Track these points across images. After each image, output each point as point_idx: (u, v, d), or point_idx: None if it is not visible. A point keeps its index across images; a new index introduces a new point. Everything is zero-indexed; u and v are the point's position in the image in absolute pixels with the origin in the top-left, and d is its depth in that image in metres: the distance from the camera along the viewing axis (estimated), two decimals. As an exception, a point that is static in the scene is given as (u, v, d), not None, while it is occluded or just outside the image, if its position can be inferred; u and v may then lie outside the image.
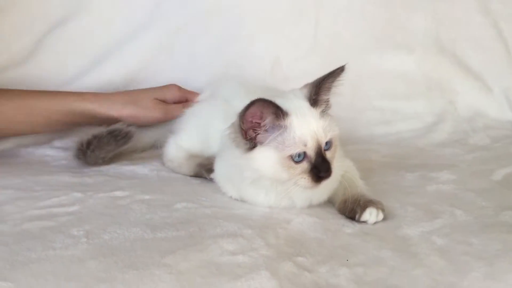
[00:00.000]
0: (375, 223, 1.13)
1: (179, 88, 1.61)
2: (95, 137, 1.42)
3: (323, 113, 1.13)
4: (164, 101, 1.57)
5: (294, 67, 1.83)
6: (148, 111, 1.54)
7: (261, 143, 1.09)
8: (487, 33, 1.97)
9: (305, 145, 1.08)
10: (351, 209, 1.15)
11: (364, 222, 1.13)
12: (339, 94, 1.16)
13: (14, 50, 1.70)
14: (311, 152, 1.09)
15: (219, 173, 1.29)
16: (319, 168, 1.09)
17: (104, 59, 1.72)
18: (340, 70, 1.12)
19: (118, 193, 1.23)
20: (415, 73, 1.95)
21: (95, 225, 1.05)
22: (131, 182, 1.33)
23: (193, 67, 1.76)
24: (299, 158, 1.09)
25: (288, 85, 1.61)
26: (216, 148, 1.31)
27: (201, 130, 1.41)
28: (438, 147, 1.72)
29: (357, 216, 1.13)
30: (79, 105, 1.50)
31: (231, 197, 1.24)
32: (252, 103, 1.05)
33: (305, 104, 1.12)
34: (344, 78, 1.12)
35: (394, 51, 1.94)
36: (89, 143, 1.41)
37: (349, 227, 1.11)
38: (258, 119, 1.08)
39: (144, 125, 1.58)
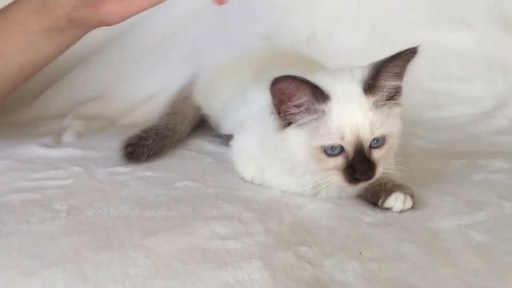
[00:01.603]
0: (402, 211, 0.96)
1: None
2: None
3: (380, 103, 0.92)
4: None
5: (333, 41, 1.68)
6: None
7: (296, 122, 0.93)
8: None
9: (342, 139, 0.90)
10: (374, 192, 0.98)
11: (389, 209, 0.96)
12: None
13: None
14: (349, 147, 0.91)
15: (239, 151, 1.13)
16: (355, 168, 0.91)
17: (130, 30, 1.64)
18: (410, 52, 0.90)
19: (119, 169, 1.14)
20: (474, 52, 1.72)
21: (82, 200, 0.96)
22: (138, 158, 1.23)
23: (223, 38, 1.64)
24: (333, 151, 0.91)
25: (326, 61, 1.47)
26: (231, 125, 1.19)
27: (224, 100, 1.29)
28: (496, 135, 1.49)
29: (380, 201, 0.96)
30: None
31: (243, 178, 1.10)
32: (279, 79, 0.88)
33: (356, 89, 0.92)
34: (414, 62, 0.91)
35: (450, 26, 1.72)
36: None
37: (370, 215, 0.95)
38: (290, 97, 0.91)
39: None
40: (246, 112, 1.14)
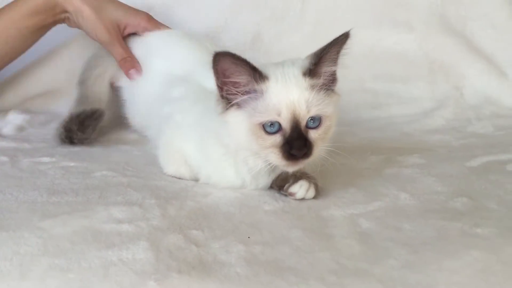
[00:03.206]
0: (303, 199, 1.01)
1: (149, 19, 1.43)
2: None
3: (319, 87, 0.96)
4: (124, 28, 1.42)
5: (277, 42, 1.72)
6: (97, 26, 1.38)
7: (237, 105, 0.97)
8: (501, 12, 1.76)
9: (279, 115, 0.94)
10: (284, 178, 1.03)
11: (292, 195, 1.01)
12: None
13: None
14: (286, 124, 0.95)
15: (165, 145, 1.16)
16: (291, 144, 0.94)
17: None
18: (344, 37, 0.95)
19: (45, 159, 1.18)
20: (416, 54, 1.77)
21: (-4, 186, 1.00)
22: (68, 150, 1.27)
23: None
24: (272, 129, 0.95)
25: (271, 61, 1.50)
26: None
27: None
28: (428, 134, 1.54)
29: (286, 186, 1.01)
30: None
31: (166, 173, 1.13)
32: (220, 55, 0.92)
33: (294, 72, 0.96)
34: (349, 47, 0.96)
35: (392, 28, 1.77)
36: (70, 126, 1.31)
37: (271, 204, 0.99)
38: (230, 76, 0.95)
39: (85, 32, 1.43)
40: (175, 106, 1.18)
